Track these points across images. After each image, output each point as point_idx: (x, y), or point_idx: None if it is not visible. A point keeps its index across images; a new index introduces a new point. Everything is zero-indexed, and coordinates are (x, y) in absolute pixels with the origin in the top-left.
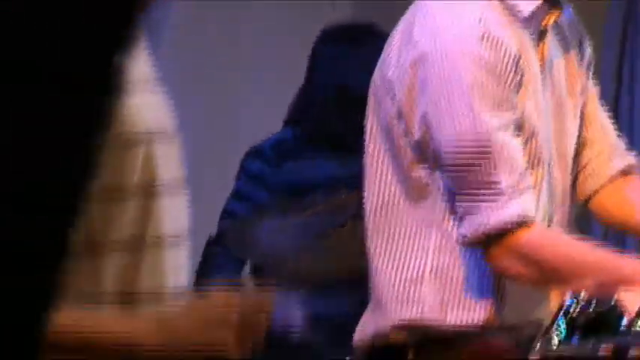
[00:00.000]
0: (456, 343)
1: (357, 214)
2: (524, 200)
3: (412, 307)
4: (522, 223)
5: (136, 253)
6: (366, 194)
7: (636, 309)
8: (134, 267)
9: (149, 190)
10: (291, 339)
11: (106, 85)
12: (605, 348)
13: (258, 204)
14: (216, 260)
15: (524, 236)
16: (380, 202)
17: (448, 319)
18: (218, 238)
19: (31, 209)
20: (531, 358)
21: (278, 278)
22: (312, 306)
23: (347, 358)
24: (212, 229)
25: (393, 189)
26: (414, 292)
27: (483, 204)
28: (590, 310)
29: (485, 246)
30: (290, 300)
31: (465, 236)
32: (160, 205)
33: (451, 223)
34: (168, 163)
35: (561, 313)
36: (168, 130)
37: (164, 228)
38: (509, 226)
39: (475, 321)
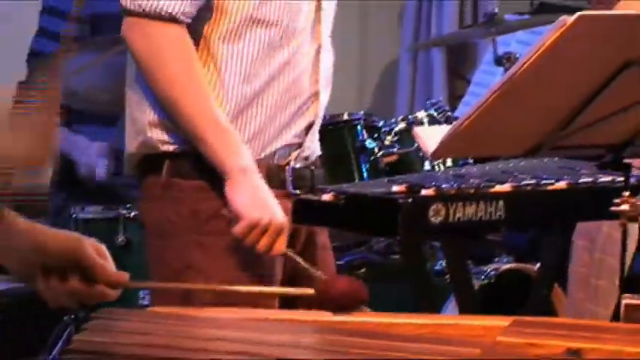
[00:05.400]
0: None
1: None
2: (190, 2)
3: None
4: (175, 20)
5: None
6: None
7: (433, 145)
8: None
9: None
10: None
11: None
12: (398, 186)
13: (63, 38)
14: None
15: (168, 28)
16: None
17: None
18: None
19: None
20: (323, 198)
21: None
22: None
23: None
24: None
25: None
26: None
27: None
28: (395, 151)
29: (132, 16)
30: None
31: (122, 2)
32: None
33: None
34: None
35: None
36: None
37: None
38: (164, 15)
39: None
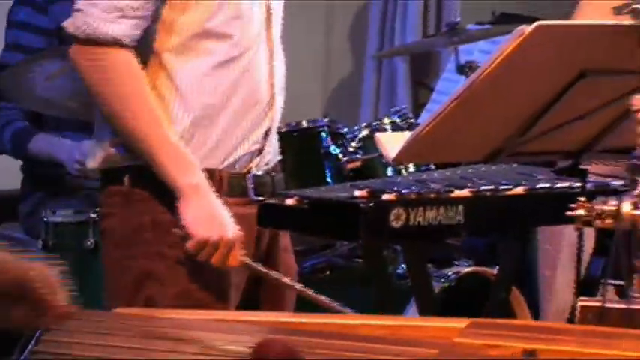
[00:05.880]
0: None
1: None
2: (134, 25)
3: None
4: (119, 44)
5: None
6: None
7: (394, 151)
8: None
9: None
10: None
11: None
12: (360, 191)
13: (31, 50)
14: (4, 116)
15: (114, 53)
16: None
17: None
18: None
19: None
20: (287, 203)
21: (55, 123)
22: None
23: None
24: None
25: None
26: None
27: (97, 10)
28: (359, 157)
29: (79, 43)
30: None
31: (67, 28)
32: None
33: None
34: None
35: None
36: None
37: None
38: (108, 39)
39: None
